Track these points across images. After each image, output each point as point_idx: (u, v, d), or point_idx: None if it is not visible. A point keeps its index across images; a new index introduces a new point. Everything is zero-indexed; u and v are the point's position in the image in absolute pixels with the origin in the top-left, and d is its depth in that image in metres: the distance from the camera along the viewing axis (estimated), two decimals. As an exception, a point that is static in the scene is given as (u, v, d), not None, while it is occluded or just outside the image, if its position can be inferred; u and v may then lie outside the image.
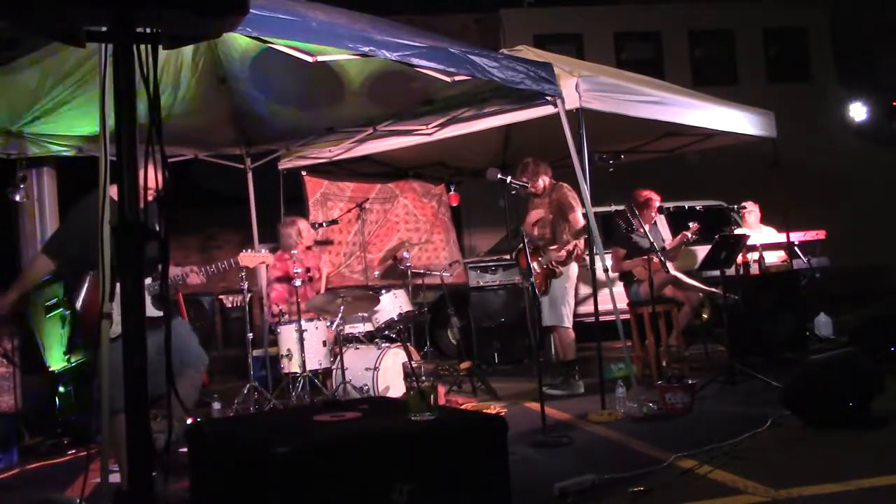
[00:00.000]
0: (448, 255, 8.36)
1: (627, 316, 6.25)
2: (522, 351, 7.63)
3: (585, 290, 6.93)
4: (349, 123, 6.50)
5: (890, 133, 15.54)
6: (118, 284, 1.66)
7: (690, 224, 6.66)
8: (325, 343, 5.72)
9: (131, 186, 1.65)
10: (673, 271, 6.49)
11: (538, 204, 6.13)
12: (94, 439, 4.47)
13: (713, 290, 6.56)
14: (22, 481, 4.43)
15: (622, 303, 6.35)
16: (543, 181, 6.04)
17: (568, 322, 5.88)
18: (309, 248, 6.46)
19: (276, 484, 2.37)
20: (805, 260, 7.77)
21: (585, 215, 5.48)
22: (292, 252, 5.92)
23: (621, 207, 6.52)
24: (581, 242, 5.90)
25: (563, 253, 5.80)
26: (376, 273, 7.28)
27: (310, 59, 4.19)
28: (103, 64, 3.26)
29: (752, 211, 8.02)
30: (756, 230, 7.83)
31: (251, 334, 5.92)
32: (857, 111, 15.43)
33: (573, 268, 5.91)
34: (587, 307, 6.71)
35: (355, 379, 5.60)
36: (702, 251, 6.55)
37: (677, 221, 8.09)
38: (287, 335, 5.68)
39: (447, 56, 4.44)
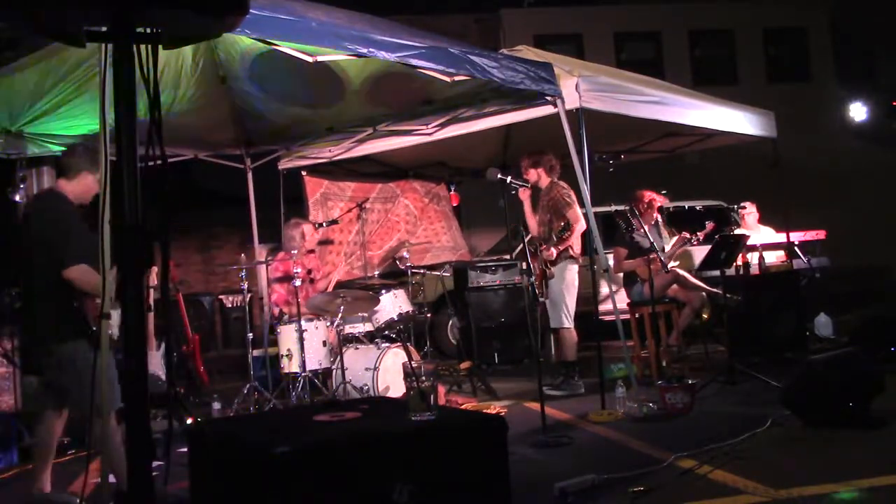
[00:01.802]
0: (450, 238, 8.35)
1: (627, 316, 6.25)
2: (522, 351, 7.61)
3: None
4: (349, 123, 6.49)
5: (890, 133, 15.55)
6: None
7: (707, 223, 6.67)
8: (325, 343, 5.72)
9: (131, 186, 1.65)
10: (678, 270, 6.50)
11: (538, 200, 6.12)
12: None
13: (716, 290, 6.56)
14: (22, 481, 4.42)
15: (622, 303, 6.34)
16: (537, 174, 6.02)
17: (568, 323, 5.87)
18: (311, 250, 6.45)
19: (276, 484, 2.37)
20: (805, 260, 7.77)
21: (586, 215, 5.48)
22: (292, 252, 5.92)
23: (622, 207, 6.52)
24: (576, 242, 5.88)
25: (552, 252, 5.77)
26: (376, 273, 7.28)
27: (310, 59, 4.19)
28: (103, 64, 3.26)
29: (751, 212, 8.02)
30: (755, 230, 7.84)
31: (251, 334, 5.92)
32: (857, 111, 15.45)
33: (570, 269, 5.88)
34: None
35: (355, 379, 5.60)
36: (701, 251, 6.55)
37: (678, 222, 8.10)
38: (287, 335, 5.68)
39: (447, 56, 4.44)
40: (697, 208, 8.83)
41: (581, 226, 5.83)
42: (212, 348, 9.12)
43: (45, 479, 3.84)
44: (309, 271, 6.11)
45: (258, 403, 5.60)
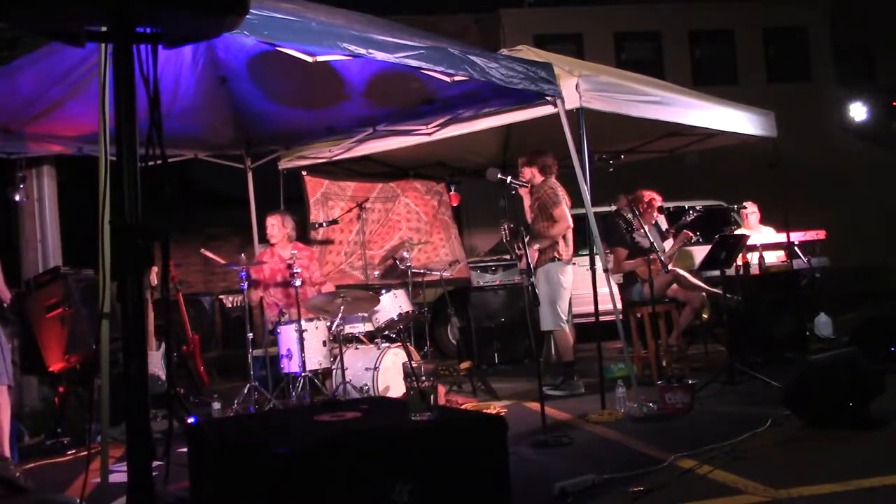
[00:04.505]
0: (448, 252, 8.35)
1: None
2: (522, 351, 7.63)
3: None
4: (349, 123, 6.49)
5: (890, 133, 15.56)
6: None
7: (688, 212, 6.68)
8: (325, 343, 5.72)
9: (131, 186, 1.65)
10: (678, 270, 6.50)
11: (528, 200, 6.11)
12: (95, 439, 4.47)
13: (716, 290, 6.55)
14: (27, 477, 4.42)
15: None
16: (531, 172, 6.01)
17: (560, 324, 5.84)
18: (294, 248, 6.38)
19: (277, 484, 2.37)
20: (805, 260, 7.77)
21: (586, 214, 5.46)
22: (292, 252, 5.92)
23: (613, 208, 6.51)
24: (564, 243, 5.86)
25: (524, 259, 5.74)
26: (376, 273, 7.27)
27: (310, 59, 4.19)
28: (103, 64, 3.26)
29: (752, 212, 8.02)
30: (756, 230, 7.83)
31: (251, 334, 5.92)
32: (857, 111, 15.45)
33: (557, 270, 5.84)
34: (585, 307, 6.69)
35: (355, 379, 5.60)
36: (701, 251, 6.55)
37: (677, 222, 8.08)
38: (287, 335, 5.68)
39: (447, 56, 4.44)
40: (697, 208, 8.82)
41: (566, 225, 5.80)
42: (212, 348, 9.10)
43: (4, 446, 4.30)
44: (289, 266, 5.97)
45: (258, 403, 5.60)
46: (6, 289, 4.55)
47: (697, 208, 6.87)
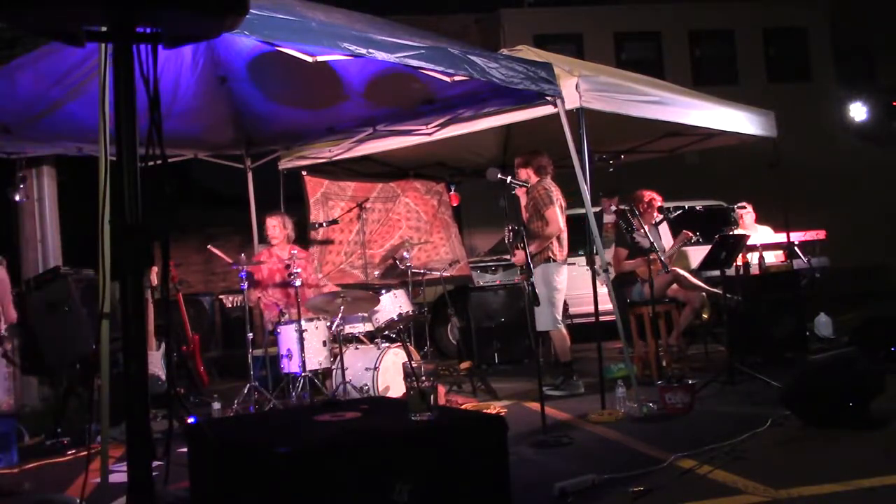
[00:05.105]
0: (449, 251, 8.35)
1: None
2: (522, 351, 7.63)
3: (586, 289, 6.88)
4: (349, 123, 6.49)
5: (890, 133, 15.54)
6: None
7: (671, 211, 6.68)
8: (325, 343, 5.72)
9: (131, 186, 1.65)
10: (678, 270, 6.49)
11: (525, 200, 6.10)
12: (95, 439, 4.47)
13: (716, 290, 6.54)
14: (22, 481, 4.42)
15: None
16: (527, 173, 5.99)
17: (556, 325, 5.84)
18: (293, 249, 6.38)
19: (277, 484, 2.38)
20: (805, 260, 7.77)
21: (585, 215, 5.45)
22: (292, 252, 5.92)
23: (619, 208, 6.51)
24: (556, 242, 5.86)
25: (518, 259, 5.73)
26: (376, 273, 7.26)
27: (310, 58, 4.19)
28: (103, 64, 3.26)
29: (748, 212, 8.03)
30: (752, 230, 7.83)
31: (251, 334, 5.92)
32: (857, 111, 15.43)
33: (551, 272, 5.83)
34: (585, 307, 6.68)
35: (355, 379, 5.60)
36: (701, 252, 6.55)
37: (677, 222, 8.08)
38: (287, 335, 5.68)
39: (446, 56, 4.44)
40: (697, 208, 8.83)
41: (556, 228, 5.78)
42: (212, 348, 9.10)
43: None
44: (287, 266, 5.97)
45: (258, 403, 5.60)
46: (13, 310, 4.48)
47: (678, 208, 6.88)
